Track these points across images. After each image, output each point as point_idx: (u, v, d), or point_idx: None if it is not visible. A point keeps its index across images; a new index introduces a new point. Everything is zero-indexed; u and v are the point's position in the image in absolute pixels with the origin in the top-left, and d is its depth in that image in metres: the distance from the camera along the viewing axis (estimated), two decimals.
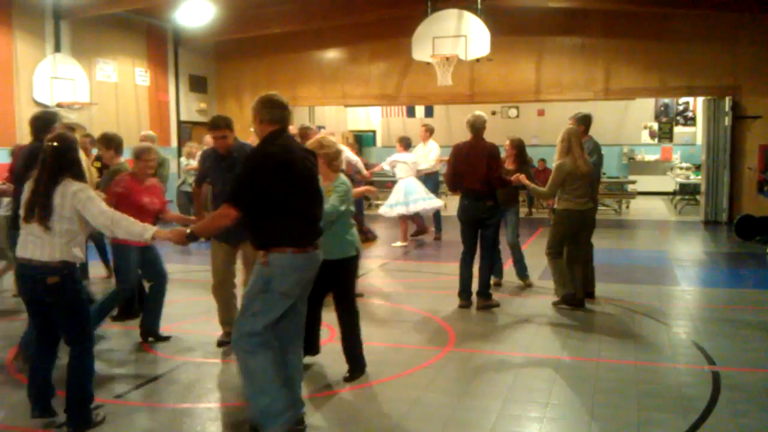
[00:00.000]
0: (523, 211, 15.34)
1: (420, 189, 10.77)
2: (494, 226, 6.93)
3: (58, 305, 3.96)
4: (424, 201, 10.70)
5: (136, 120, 13.49)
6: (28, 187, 4.03)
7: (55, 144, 4.00)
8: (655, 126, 20.65)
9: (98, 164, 7.88)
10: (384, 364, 5.23)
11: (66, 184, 3.90)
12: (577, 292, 6.84)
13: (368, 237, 10.62)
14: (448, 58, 12.26)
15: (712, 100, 13.73)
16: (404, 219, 10.99)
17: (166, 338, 5.88)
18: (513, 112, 20.87)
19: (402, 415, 4.33)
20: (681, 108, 20.38)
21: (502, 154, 7.33)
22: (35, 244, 3.89)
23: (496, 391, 4.72)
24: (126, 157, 6.43)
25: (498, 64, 13.57)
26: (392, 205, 10.78)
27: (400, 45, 13.64)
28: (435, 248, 11.07)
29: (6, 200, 6.65)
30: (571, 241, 6.84)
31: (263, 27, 14.69)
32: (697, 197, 15.59)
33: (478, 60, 12.53)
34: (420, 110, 21.62)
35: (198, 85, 15.79)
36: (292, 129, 9.01)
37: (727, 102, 13.45)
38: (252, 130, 4.20)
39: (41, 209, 3.86)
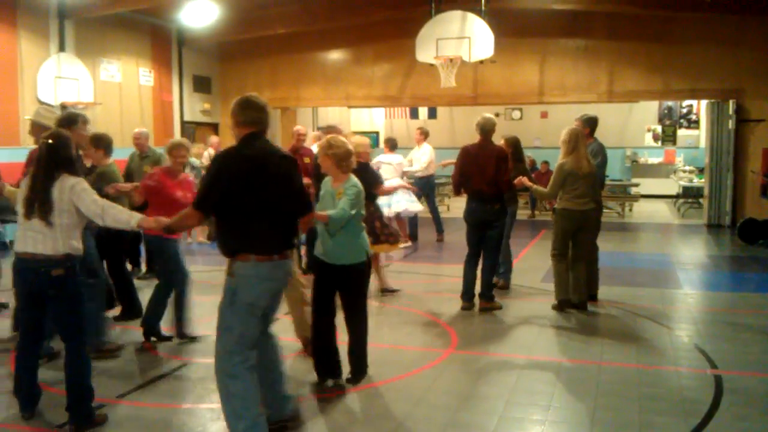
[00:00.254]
0: (525, 213, 15.40)
1: (402, 190, 10.68)
2: (500, 228, 6.92)
3: (59, 298, 4.04)
4: (406, 202, 10.64)
5: (140, 120, 13.49)
6: (25, 185, 4.12)
7: (50, 141, 4.10)
8: (659, 129, 20.61)
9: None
10: (386, 365, 5.22)
11: (63, 179, 4.01)
12: (579, 294, 6.84)
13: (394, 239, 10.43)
14: (451, 60, 12.26)
15: (715, 103, 13.71)
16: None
17: (168, 338, 5.89)
18: (516, 113, 20.87)
19: (404, 416, 4.33)
20: (684, 111, 20.35)
21: None
22: (36, 240, 3.97)
23: (498, 394, 4.72)
24: (117, 157, 6.41)
25: (501, 65, 13.57)
26: None
27: (404, 46, 13.65)
28: (436, 250, 11.06)
29: None
30: (573, 241, 6.84)
31: (267, 28, 14.70)
32: (701, 200, 15.56)
33: (481, 62, 12.53)
34: (423, 112, 21.63)
35: (202, 85, 15.81)
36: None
37: (731, 105, 13.42)
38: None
39: (41, 205, 3.96)
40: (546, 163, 16.11)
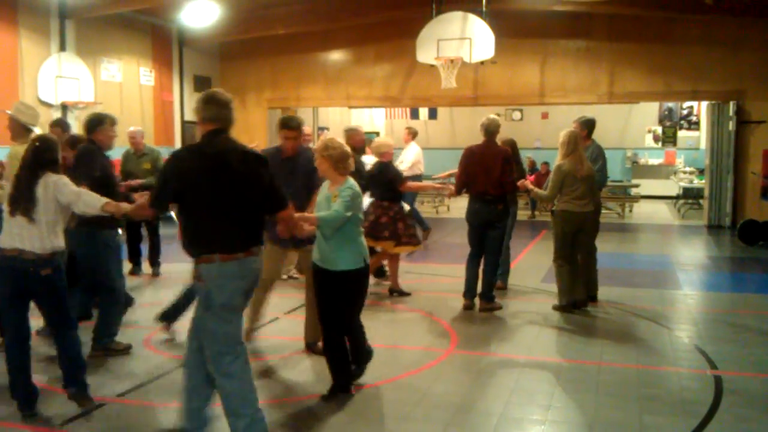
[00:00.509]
0: (526, 213, 15.40)
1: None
2: (502, 229, 6.93)
3: (48, 295, 4.23)
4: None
5: (141, 120, 13.50)
6: (11, 183, 4.32)
7: (36, 144, 4.32)
8: (659, 130, 20.63)
9: None
10: (386, 365, 5.22)
11: (46, 177, 4.21)
12: (579, 295, 6.84)
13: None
14: (452, 61, 12.27)
15: (716, 104, 13.72)
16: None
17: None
18: (517, 115, 20.88)
19: (403, 416, 4.33)
20: (685, 112, 20.37)
21: None
22: (23, 237, 4.11)
23: (497, 394, 4.73)
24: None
25: (502, 66, 13.58)
26: None
27: (405, 47, 13.66)
28: (436, 250, 11.05)
29: None
30: (573, 243, 6.82)
31: (268, 28, 14.71)
32: (701, 201, 15.57)
33: (482, 62, 12.55)
34: (424, 112, 21.60)
35: (202, 85, 15.80)
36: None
37: (732, 106, 13.43)
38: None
39: (26, 202, 4.12)
40: (546, 164, 16.11)
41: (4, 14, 10.95)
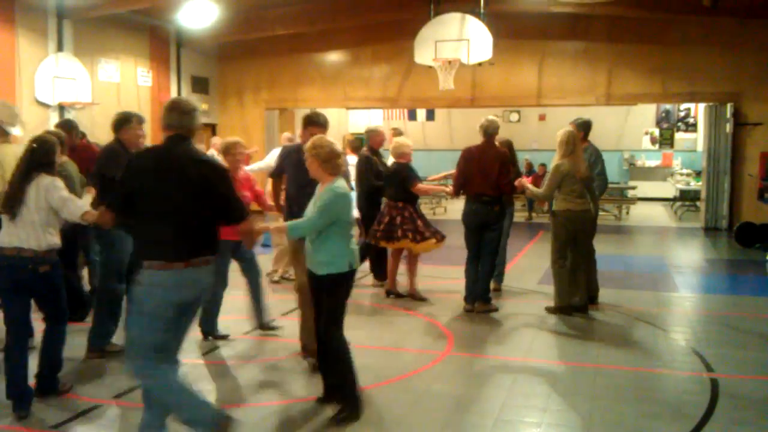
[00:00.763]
0: (523, 215, 15.41)
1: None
2: (498, 230, 6.93)
3: (46, 290, 4.37)
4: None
5: None
6: (7, 182, 4.48)
7: (34, 146, 4.40)
8: (656, 132, 20.66)
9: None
10: (382, 367, 5.22)
11: (40, 178, 4.30)
12: (580, 297, 6.83)
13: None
14: (450, 62, 12.26)
15: (713, 106, 13.74)
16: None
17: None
18: (514, 116, 20.88)
19: (399, 418, 4.33)
20: (682, 114, 20.39)
21: None
22: (20, 235, 4.22)
23: (494, 396, 4.73)
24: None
25: (500, 68, 13.58)
26: None
27: (403, 48, 13.66)
28: (433, 252, 11.01)
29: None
30: (573, 244, 6.81)
31: (266, 29, 14.70)
32: (698, 204, 15.59)
33: (480, 64, 12.54)
34: (421, 114, 21.60)
35: (200, 86, 15.80)
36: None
37: (729, 109, 13.45)
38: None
39: (16, 201, 4.24)
40: (543, 165, 16.11)
41: (2, 14, 10.92)
